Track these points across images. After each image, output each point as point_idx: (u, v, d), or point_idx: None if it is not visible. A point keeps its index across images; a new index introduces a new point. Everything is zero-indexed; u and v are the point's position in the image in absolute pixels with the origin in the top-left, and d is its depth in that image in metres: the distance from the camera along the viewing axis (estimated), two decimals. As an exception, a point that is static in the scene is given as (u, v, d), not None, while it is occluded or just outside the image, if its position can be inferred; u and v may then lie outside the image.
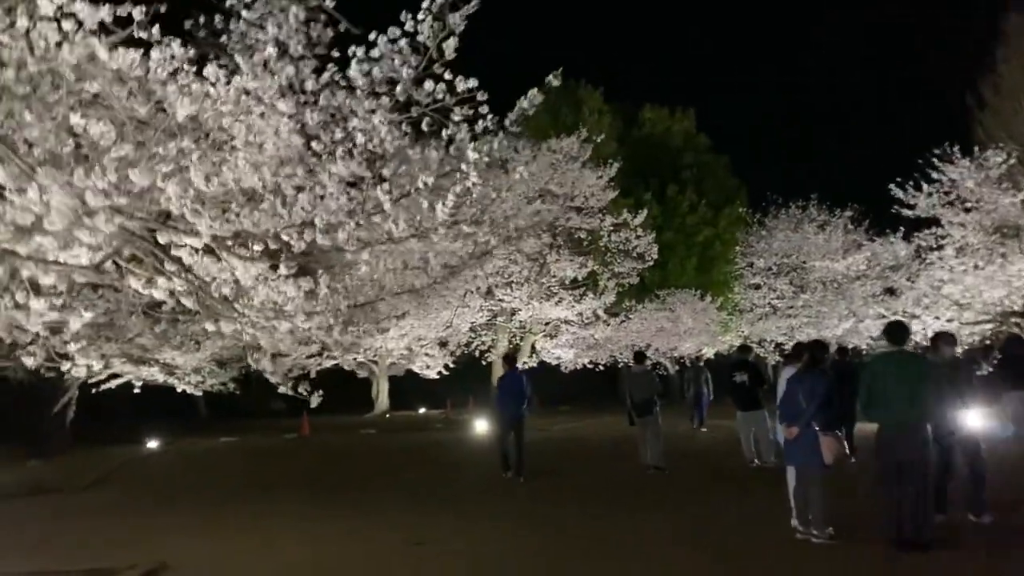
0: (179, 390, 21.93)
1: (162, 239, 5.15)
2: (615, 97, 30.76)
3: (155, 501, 11.22)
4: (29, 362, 6.52)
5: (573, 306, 22.47)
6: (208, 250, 5.22)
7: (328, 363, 28.51)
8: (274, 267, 5.34)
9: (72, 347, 6.83)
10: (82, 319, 6.40)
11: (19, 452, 17.50)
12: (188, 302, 5.46)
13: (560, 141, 22.02)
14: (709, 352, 25.32)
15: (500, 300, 21.92)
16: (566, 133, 22.45)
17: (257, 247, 5.12)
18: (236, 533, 8.55)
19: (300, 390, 6.43)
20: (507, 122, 5.69)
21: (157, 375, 21.46)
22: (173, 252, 5.64)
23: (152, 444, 19.98)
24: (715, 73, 61.17)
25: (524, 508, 9.68)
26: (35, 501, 11.38)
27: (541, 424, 22.15)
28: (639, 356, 13.17)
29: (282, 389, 6.67)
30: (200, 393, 22.37)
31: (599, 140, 22.70)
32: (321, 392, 6.35)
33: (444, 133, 6.11)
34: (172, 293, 5.36)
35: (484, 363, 24.25)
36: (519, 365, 13.91)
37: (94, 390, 20.89)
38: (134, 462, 16.88)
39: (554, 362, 25.19)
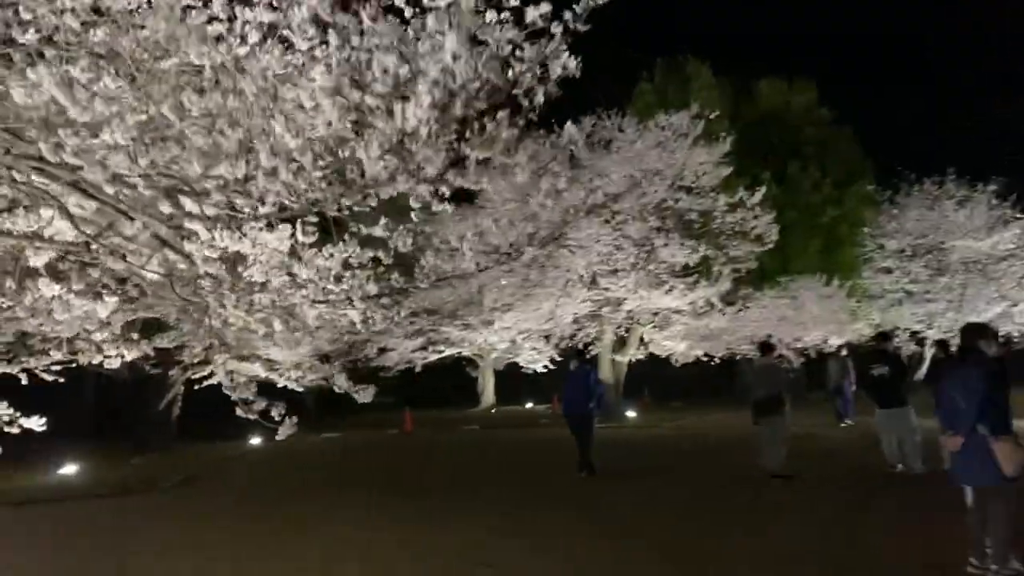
0: (279, 386, 21.93)
1: (179, 207, 4.18)
2: (727, 70, 28.89)
3: (229, 504, 10.65)
4: (57, 357, 5.83)
5: (685, 294, 20.89)
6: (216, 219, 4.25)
7: (433, 357, 28.35)
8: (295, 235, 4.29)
9: (98, 336, 6.08)
10: (106, 306, 5.62)
11: (125, 449, 17.61)
12: (186, 290, 4.51)
13: (668, 117, 20.55)
14: (837, 342, 23.20)
15: (605, 289, 20.63)
16: (674, 110, 20.95)
17: (266, 209, 4.07)
18: (291, 544, 7.76)
19: (274, 414, 5.41)
20: (569, 18, 4.31)
21: (259, 371, 21.44)
22: (187, 224, 4.69)
23: (254, 440, 19.80)
24: (835, 42, 57.48)
25: (619, 521, 8.43)
26: (115, 502, 11.06)
27: (651, 421, 20.85)
28: (765, 347, 11.64)
29: (241, 412, 5.65)
30: (301, 389, 22.16)
31: (710, 115, 21.08)
32: (295, 418, 5.29)
33: (509, 73, 4.82)
34: (171, 274, 4.43)
35: (588, 356, 23.00)
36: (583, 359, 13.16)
37: (196, 387, 20.99)
38: (229, 460, 16.59)
39: (665, 355, 23.69)
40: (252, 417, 5.48)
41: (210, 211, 4.59)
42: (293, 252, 4.19)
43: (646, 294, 20.61)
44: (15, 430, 13.12)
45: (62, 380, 14.28)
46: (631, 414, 21.98)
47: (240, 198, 4.06)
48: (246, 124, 4.33)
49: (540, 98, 3.97)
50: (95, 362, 6.80)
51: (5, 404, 13.18)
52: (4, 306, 6.49)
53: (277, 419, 5.55)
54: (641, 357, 23.54)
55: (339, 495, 10.81)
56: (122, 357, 7.00)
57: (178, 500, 11.28)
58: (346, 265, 4.57)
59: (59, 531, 9.14)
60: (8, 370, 12.76)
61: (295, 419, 5.44)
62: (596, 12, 4.41)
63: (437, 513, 9.06)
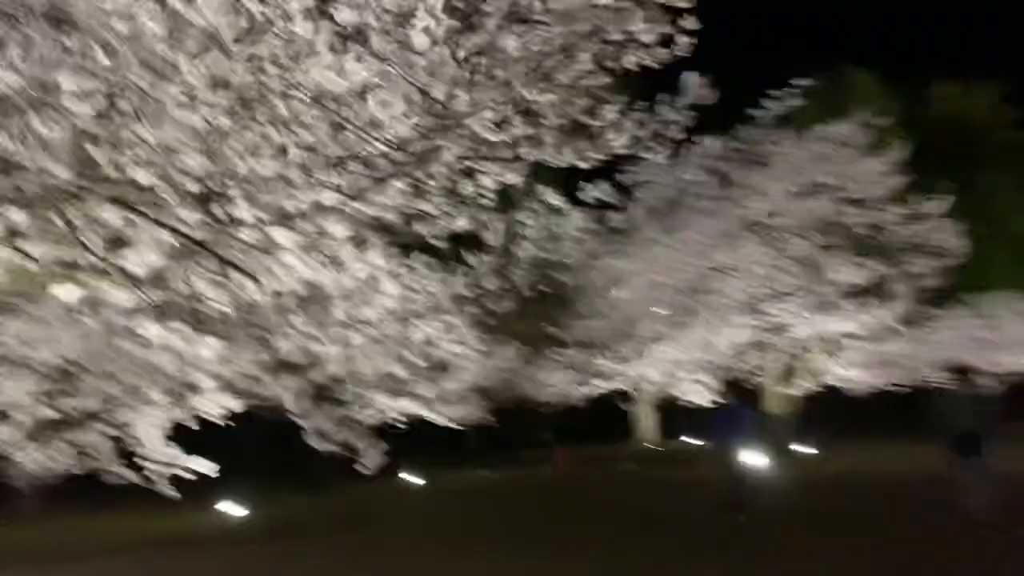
0: (435, 422, 21.74)
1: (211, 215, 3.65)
2: (893, 76, 26.72)
3: (380, 549, 10.18)
4: (157, 397, 5.52)
5: (858, 317, 19.02)
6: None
7: (590, 391, 27.49)
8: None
9: (206, 383, 5.72)
10: (209, 347, 5.24)
11: (288, 488, 17.76)
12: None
13: (830, 127, 19.02)
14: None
15: (767, 315, 19.12)
16: (837, 118, 19.37)
17: (343, 228, 3.45)
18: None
19: (356, 446, 4.74)
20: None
21: (411, 407, 21.37)
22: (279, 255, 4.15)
23: (411, 479, 19.63)
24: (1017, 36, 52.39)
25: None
26: (263, 545, 10.86)
27: (825, 458, 18.98)
28: (962, 373, 10.02)
29: (318, 444, 4.99)
30: (454, 424, 21.86)
31: (878, 123, 19.35)
32: (388, 448, 4.58)
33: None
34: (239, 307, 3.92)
35: (749, 388, 21.39)
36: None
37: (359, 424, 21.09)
38: (385, 500, 16.28)
39: (840, 385, 21.66)
40: (332, 450, 4.89)
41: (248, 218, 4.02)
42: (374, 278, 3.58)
43: (814, 318, 18.96)
44: (185, 472, 13.28)
45: (232, 424, 14.47)
46: (802, 450, 20.18)
47: (283, 198, 3.46)
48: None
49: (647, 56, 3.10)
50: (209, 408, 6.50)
51: (173, 444, 13.40)
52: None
53: (362, 454, 4.93)
54: (812, 388, 21.66)
55: (481, 544, 10.14)
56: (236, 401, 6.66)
57: (324, 544, 10.96)
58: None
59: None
60: (171, 415, 13.00)
61: (383, 449, 4.78)
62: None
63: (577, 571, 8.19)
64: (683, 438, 26.63)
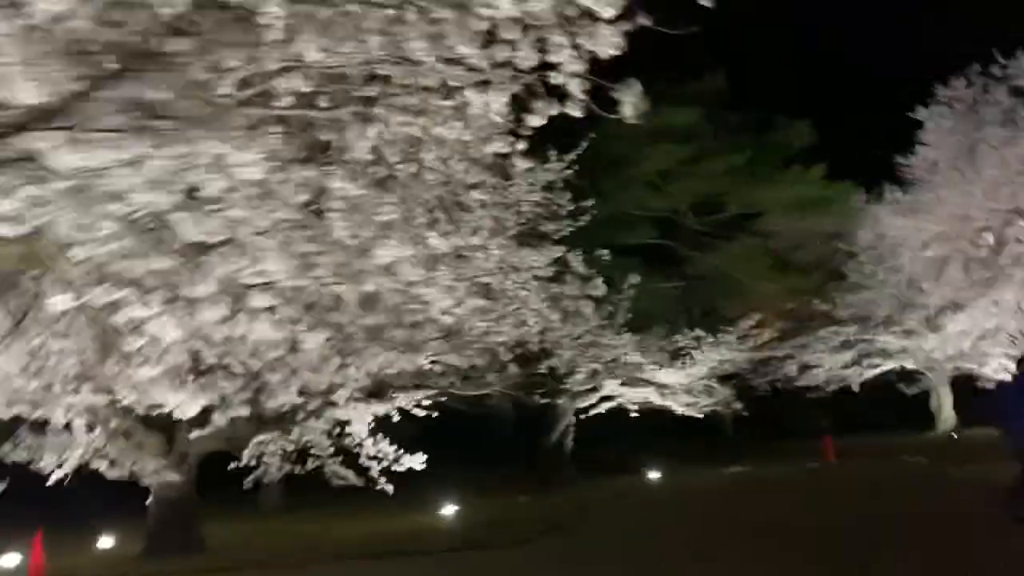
0: (678, 412, 19.72)
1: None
2: None
3: (553, 559, 8.46)
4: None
5: None
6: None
7: (870, 373, 24.12)
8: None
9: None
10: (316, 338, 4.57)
11: (517, 485, 16.61)
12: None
13: None
14: None
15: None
16: None
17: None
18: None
19: None
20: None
21: (651, 396, 19.50)
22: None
23: (652, 474, 17.76)
24: None
25: None
26: (464, 554, 9.41)
27: None
28: None
29: None
30: (700, 414, 19.73)
31: None
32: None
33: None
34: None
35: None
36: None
37: (583, 416, 19.66)
38: (617, 499, 14.49)
39: None
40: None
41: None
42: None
43: None
44: (400, 468, 12.33)
45: (435, 415, 13.54)
46: None
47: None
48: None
49: None
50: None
51: (387, 442, 12.59)
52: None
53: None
54: None
55: (695, 554, 7.99)
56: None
57: (529, 549, 9.38)
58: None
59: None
60: (382, 408, 12.17)
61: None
62: None
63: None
64: (986, 425, 22.23)
